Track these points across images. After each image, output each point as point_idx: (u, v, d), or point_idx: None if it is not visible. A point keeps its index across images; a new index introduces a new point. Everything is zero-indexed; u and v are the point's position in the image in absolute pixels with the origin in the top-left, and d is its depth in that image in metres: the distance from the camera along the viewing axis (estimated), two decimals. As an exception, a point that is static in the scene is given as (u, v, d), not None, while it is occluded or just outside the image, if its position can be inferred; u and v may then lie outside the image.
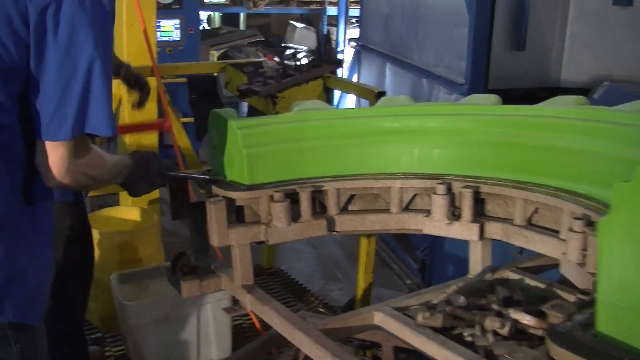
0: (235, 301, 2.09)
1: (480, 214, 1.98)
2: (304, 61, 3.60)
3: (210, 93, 7.10)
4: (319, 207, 2.05)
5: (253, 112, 6.88)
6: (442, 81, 5.27)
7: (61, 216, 2.60)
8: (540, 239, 1.84)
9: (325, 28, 10.16)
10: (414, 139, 2.06)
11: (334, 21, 10.25)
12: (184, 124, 4.46)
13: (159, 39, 6.35)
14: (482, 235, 1.94)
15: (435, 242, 4.55)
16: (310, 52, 8.75)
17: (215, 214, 1.91)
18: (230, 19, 11.18)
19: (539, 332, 1.61)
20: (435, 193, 1.95)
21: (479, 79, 4.90)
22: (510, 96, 5.08)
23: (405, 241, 5.44)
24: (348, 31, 9.83)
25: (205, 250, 2.19)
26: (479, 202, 1.98)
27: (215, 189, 2.04)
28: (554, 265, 2.08)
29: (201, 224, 2.17)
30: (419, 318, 1.71)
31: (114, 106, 2.55)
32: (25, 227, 1.67)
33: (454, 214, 1.96)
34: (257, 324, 3.34)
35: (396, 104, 2.14)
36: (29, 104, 1.59)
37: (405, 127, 2.07)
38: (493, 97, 2.12)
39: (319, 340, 1.67)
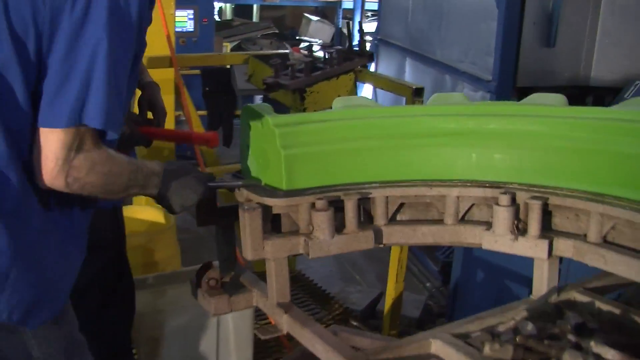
0: (258, 311, 1.87)
1: (546, 228, 1.76)
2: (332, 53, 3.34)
3: (225, 85, 6.90)
4: (363, 215, 1.83)
5: (274, 106, 6.71)
6: (467, 77, 5.14)
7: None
8: (621, 260, 1.61)
9: (341, 21, 9.93)
10: (472, 142, 1.83)
11: (349, 14, 10.03)
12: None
13: (173, 30, 6.13)
14: (550, 253, 1.72)
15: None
16: (329, 46, 8.53)
17: (250, 224, 1.69)
18: (242, 11, 10.97)
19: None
20: (497, 204, 1.73)
21: (508, 76, 4.75)
22: (538, 94, 4.97)
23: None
24: (364, 25, 9.58)
25: (233, 261, 1.98)
26: (544, 214, 1.75)
27: (248, 194, 1.81)
28: (623, 285, 1.88)
29: (230, 231, 1.97)
30: (487, 350, 1.49)
31: None
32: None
33: (518, 228, 1.74)
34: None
35: (451, 102, 1.92)
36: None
37: (462, 128, 1.84)
38: (559, 97, 1.89)
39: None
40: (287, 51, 3.69)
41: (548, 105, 1.84)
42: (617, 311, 1.72)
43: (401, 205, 1.84)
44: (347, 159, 1.82)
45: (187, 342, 2.77)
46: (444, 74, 5.54)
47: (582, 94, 4.99)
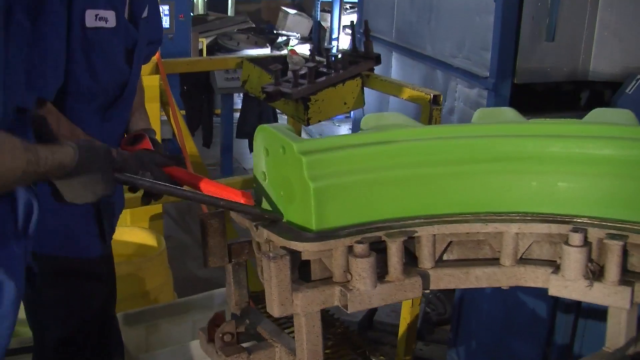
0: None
1: (622, 269, 1.49)
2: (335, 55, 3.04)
3: (203, 85, 6.59)
4: (405, 255, 1.55)
5: (248, 108, 6.40)
6: (460, 73, 4.92)
7: None
8: None
9: (319, 14, 9.63)
10: (532, 169, 1.56)
11: (327, 7, 9.73)
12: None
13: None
14: (632, 301, 1.46)
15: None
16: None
17: (277, 275, 1.40)
18: (215, 5, 10.62)
19: None
20: (567, 244, 1.46)
21: (506, 72, 4.54)
22: (534, 90, 4.77)
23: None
24: (343, 17, 9.31)
25: (247, 307, 1.70)
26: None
27: (269, 234, 1.52)
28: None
29: (243, 272, 1.69)
30: None
31: None
32: None
33: (592, 271, 1.47)
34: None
35: (503, 120, 1.64)
36: None
37: (520, 151, 1.56)
38: (626, 113, 1.63)
39: None
40: (283, 53, 3.38)
41: (618, 124, 1.58)
42: None
43: (449, 243, 1.57)
44: (386, 190, 1.54)
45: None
46: (435, 70, 5.33)
47: (580, 89, 4.85)
